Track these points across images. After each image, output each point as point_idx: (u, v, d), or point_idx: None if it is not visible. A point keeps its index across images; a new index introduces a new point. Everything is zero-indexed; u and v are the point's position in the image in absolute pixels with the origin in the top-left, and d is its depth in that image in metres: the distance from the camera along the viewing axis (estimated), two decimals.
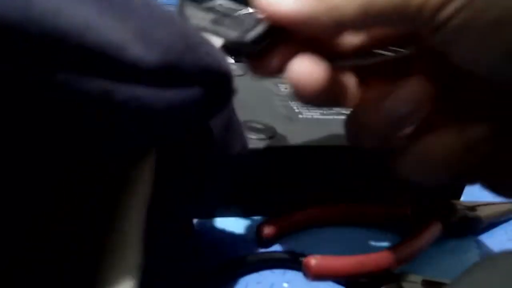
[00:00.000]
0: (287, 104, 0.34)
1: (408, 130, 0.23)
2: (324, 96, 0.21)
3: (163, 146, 0.17)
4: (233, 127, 0.23)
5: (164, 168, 0.17)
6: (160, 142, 0.17)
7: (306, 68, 0.21)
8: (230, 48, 0.21)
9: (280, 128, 0.30)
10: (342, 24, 0.20)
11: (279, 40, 0.21)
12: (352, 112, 0.23)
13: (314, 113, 0.33)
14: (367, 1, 0.19)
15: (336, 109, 0.34)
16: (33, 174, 0.15)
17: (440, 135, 0.21)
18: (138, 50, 0.14)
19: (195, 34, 0.17)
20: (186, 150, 0.19)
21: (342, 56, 0.23)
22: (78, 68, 0.12)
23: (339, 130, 0.31)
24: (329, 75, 0.21)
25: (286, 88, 0.36)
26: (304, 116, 0.32)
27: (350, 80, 0.23)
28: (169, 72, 0.15)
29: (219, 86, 0.17)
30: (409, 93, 0.21)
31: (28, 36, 0.11)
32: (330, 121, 0.32)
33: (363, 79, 0.24)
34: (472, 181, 0.24)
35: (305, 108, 0.33)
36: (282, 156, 0.29)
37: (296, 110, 0.33)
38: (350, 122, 0.23)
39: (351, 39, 0.23)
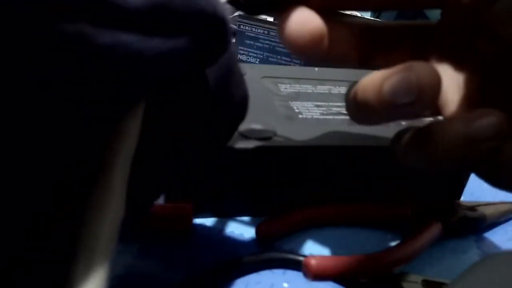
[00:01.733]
0: (287, 104, 0.34)
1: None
2: (318, 49, 0.20)
3: (153, 97, 0.16)
4: (232, 77, 0.21)
5: (154, 122, 0.16)
6: (149, 91, 0.16)
7: (302, 16, 0.20)
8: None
9: (280, 128, 0.30)
10: None
11: None
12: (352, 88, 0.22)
13: (314, 113, 0.33)
14: None
15: (336, 109, 0.34)
16: (32, 173, 0.15)
17: None
18: None
19: None
20: (178, 101, 0.18)
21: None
22: (55, 10, 0.11)
23: (339, 130, 0.32)
24: (327, 28, 0.20)
25: (286, 88, 0.36)
26: (304, 116, 0.32)
27: (350, 39, 0.23)
28: (157, 16, 0.13)
29: (213, 33, 0.16)
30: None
31: None
32: (330, 121, 0.32)
33: (372, 41, 0.23)
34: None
35: (305, 108, 0.33)
36: (282, 156, 0.29)
37: (296, 110, 0.33)
38: (349, 97, 0.22)
39: None
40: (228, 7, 0.18)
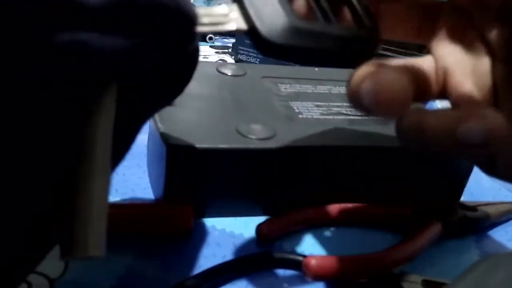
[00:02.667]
0: (287, 104, 0.34)
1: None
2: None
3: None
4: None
5: (127, 96, 0.16)
6: (116, 82, 0.16)
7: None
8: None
9: (280, 128, 0.30)
10: None
11: None
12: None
13: (314, 113, 0.33)
14: None
15: (336, 109, 0.34)
16: (32, 172, 0.15)
17: None
18: None
19: None
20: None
21: None
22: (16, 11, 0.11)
23: (339, 130, 0.32)
24: None
25: (286, 88, 0.36)
26: (304, 116, 0.32)
27: None
28: (117, 13, 0.14)
29: (177, 28, 0.16)
30: None
31: None
32: (330, 121, 0.32)
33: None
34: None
35: (305, 108, 0.33)
36: (282, 156, 0.29)
37: (296, 110, 0.33)
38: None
39: None
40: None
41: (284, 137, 0.29)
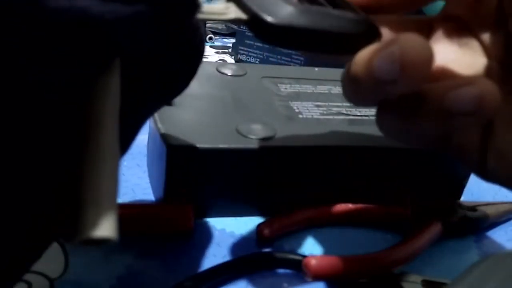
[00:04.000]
0: (287, 104, 0.34)
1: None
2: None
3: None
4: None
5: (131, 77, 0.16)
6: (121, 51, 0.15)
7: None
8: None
9: (280, 128, 0.30)
10: None
11: None
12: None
13: (314, 113, 0.33)
14: None
15: (336, 109, 0.34)
16: (32, 172, 0.15)
17: None
18: None
19: None
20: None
21: None
22: None
23: (339, 130, 0.32)
24: None
25: (286, 88, 0.36)
26: (304, 116, 0.32)
27: None
28: None
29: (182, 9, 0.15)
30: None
31: None
32: (330, 121, 0.32)
33: None
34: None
35: (305, 108, 0.33)
36: (282, 156, 0.29)
37: (296, 110, 0.33)
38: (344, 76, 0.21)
39: None
40: None
41: (284, 137, 0.29)
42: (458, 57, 0.22)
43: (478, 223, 0.32)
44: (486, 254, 0.31)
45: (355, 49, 0.19)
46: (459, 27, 0.23)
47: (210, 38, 0.65)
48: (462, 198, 0.35)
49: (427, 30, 0.24)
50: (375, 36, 0.20)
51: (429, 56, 0.17)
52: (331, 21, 0.19)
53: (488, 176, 0.21)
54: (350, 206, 0.31)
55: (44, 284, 0.23)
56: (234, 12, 0.18)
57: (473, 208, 0.32)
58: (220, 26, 0.68)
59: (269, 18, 0.18)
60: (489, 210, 0.32)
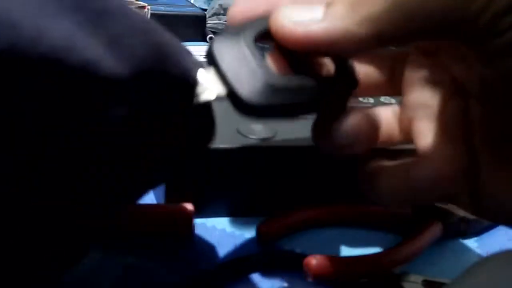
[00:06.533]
0: None
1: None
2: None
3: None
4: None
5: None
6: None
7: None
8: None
9: (281, 128, 0.30)
10: (381, 38, 0.17)
11: None
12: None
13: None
14: (411, 6, 0.17)
15: None
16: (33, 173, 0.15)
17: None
18: (109, 63, 0.14)
19: (170, 41, 0.17)
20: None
21: None
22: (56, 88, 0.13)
23: None
24: None
25: None
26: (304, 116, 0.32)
27: None
28: (137, 82, 0.15)
29: (180, 92, 0.17)
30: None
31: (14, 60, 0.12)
32: None
33: None
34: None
35: None
36: (283, 156, 0.29)
37: None
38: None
39: None
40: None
41: (284, 137, 0.29)
42: (429, 100, 0.22)
43: (478, 223, 0.32)
44: (486, 254, 0.31)
45: (333, 105, 0.21)
46: (431, 64, 0.22)
47: (211, 38, 0.65)
48: None
49: (400, 68, 0.23)
50: (352, 87, 0.21)
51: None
52: (309, 90, 0.19)
53: (484, 216, 0.21)
54: (350, 206, 0.31)
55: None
56: (211, 89, 0.18)
57: None
58: (220, 26, 0.68)
59: (247, 97, 0.18)
60: None
